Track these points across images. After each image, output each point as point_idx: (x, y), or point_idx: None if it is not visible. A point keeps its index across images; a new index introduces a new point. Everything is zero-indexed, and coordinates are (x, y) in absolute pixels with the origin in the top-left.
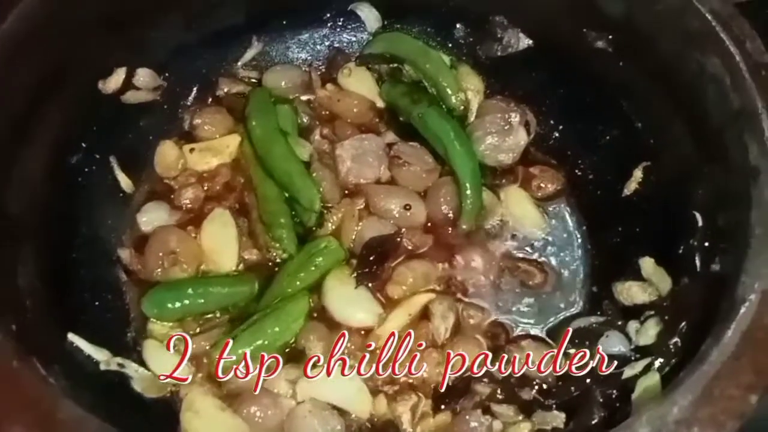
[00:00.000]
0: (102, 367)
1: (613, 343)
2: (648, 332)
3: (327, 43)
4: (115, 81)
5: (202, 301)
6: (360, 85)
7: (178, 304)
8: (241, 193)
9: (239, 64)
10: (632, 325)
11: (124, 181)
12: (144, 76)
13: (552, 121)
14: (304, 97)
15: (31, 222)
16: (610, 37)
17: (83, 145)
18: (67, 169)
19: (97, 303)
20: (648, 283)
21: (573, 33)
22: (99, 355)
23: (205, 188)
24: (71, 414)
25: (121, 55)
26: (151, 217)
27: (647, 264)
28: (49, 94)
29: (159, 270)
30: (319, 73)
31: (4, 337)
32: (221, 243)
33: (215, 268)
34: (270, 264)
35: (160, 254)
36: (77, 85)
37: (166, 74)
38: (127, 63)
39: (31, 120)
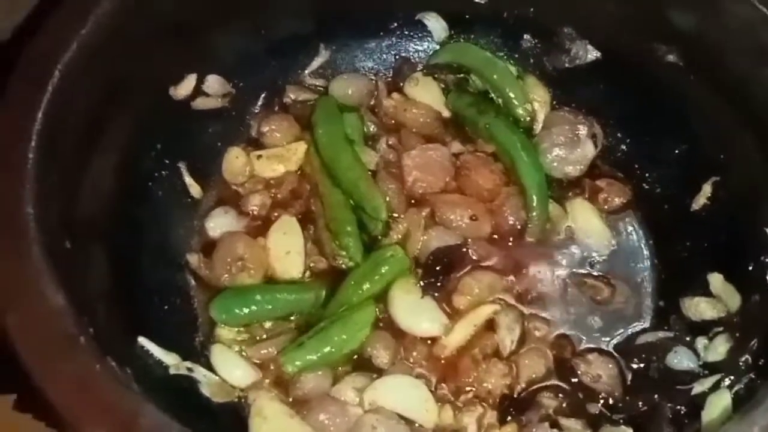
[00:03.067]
0: (171, 371)
1: (681, 359)
2: (717, 349)
3: (393, 53)
4: (185, 87)
5: (270, 307)
6: (426, 94)
7: (245, 310)
8: (307, 201)
9: (306, 72)
10: (701, 341)
11: (193, 187)
12: (213, 82)
13: (619, 134)
14: (370, 106)
15: (102, 226)
16: (680, 50)
17: (153, 150)
18: (137, 174)
19: (165, 307)
20: (717, 299)
21: (641, 45)
22: (168, 359)
23: (272, 195)
24: (153, 419)
25: (191, 61)
26: (219, 222)
27: (716, 280)
28: (121, 99)
29: (226, 275)
30: (385, 82)
31: (84, 340)
32: (288, 250)
33: (282, 274)
34: (336, 272)
35: (228, 260)
36: (149, 91)
37: (235, 81)
38: (198, 70)
39: (103, 125)
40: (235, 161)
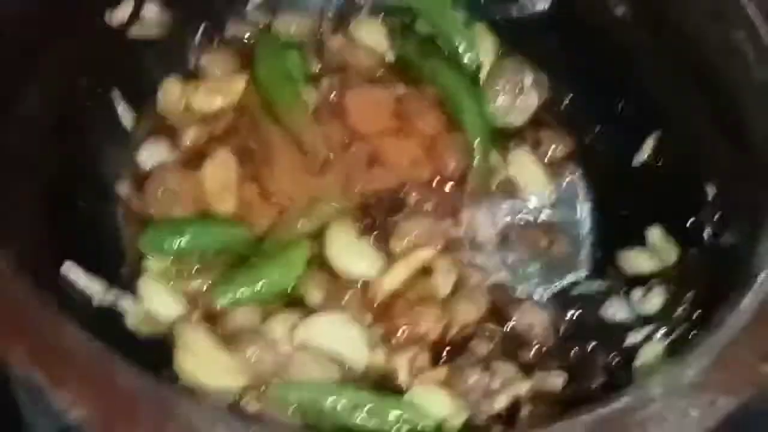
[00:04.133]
0: (95, 301)
1: (615, 310)
2: (652, 300)
3: None
4: (122, 12)
5: (201, 240)
6: (371, 36)
7: (176, 243)
8: (245, 137)
9: (249, 6)
10: (636, 293)
11: (126, 118)
12: (151, 9)
13: (565, 87)
14: (313, 45)
15: (32, 154)
16: (630, 3)
17: (86, 79)
18: (69, 103)
19: (94, 239)
20: (654, 252)
21: None
22: (94, 287)
23: (209, 129)
24: (75, 339)
25: None
26: (151, 154)
27: (654, 233)
28: (54, 24)
29: (158, 208)
30: (330, 21)
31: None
32: (222, 184)
33: (215, 209)
34: (272, 209)
35: (160, 191)
36: (83, 16)
37: (174, 10)
38: None
39: (36, 52)
40: (170, 92)
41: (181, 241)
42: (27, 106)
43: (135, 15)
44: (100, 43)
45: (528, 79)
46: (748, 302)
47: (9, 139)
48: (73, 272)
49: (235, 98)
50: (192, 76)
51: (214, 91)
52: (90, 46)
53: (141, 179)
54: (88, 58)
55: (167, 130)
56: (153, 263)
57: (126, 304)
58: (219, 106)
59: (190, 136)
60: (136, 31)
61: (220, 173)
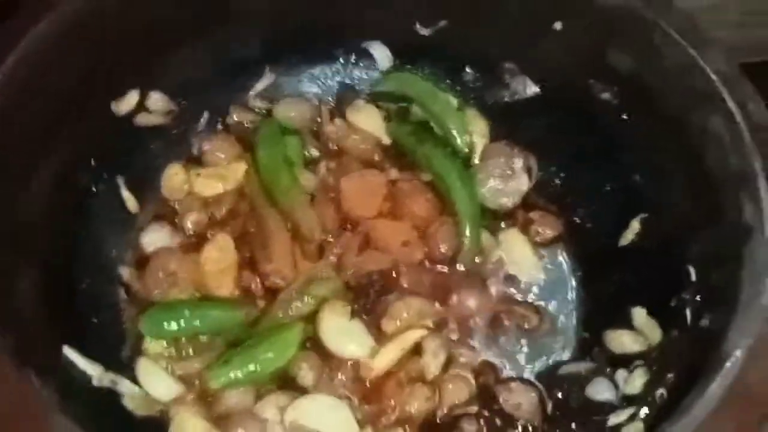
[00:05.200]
0: (95, 382)
1: (600, 390)
2: (635, 382)
3: (338, 79)
4: (128, 103)
5: (198, 323)
6: (368, 121)
7: (174, 325)
8: (244, 221)
9: (251, 93)
10: (621, 374)
11: (130, 202)
12: (157, 99)
13: (554, 168)
14: (312, 131)
15: (35, 238)
16: (616, 89)
17: (92, 164)
18: (75, 187)
19: (94, 320)
20: (639, 333)
21: (580, 83)
22: (92, 369)
23: (210, 213)
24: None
25: (135, 78)
26: (154, 238)
27: (639, 314)
28: (62, 114)
29: (158, 290)
30: (329, 107)
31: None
32: (221, 267)
33: (213, 291)
34: (268, 292)
35: (160, 274)
36: (90, 106)
37: (179, 99)
38: (141, 86)
39: (43, 140)
40: (174, 178)
41: (178, 324)
42: (37, 185)
43: (141, 104)
44: (108, 129)
45: (518, 162)
46: (715, 388)
47: (15, 219)
48: (72, 355)
49: (235, 183)
50: (195, 160)
51: (215, 176)
52: (97, 132)
53: (143, 262)
54: (93, 144)
55: (170, 214)
56: (151, 345)
57: (124, 386)
58: (220, 191)
59: (191, 220)
60: (141, 120)
61: (219, 257)
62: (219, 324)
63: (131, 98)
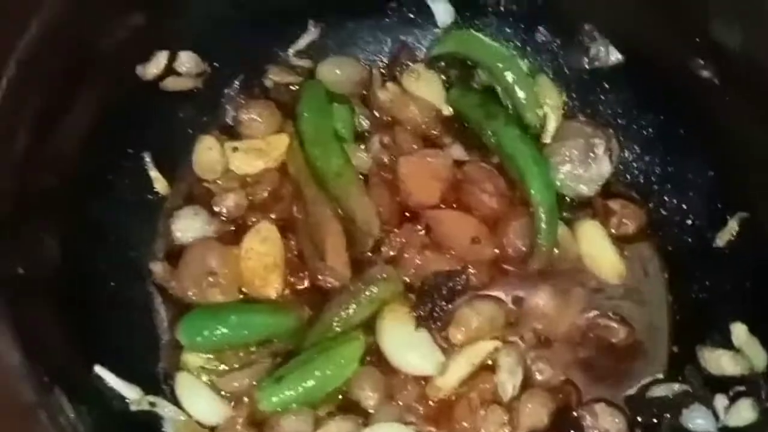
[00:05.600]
0: (132, 407)
1: (697, 419)
2: (741, 413)
3: (391, 37)
4: (155, 66)
5: (245, 331)
6: (426, 88)
7: (218, 333)
8: (289, 205)
9: (291, 51)
10: (720, 400)
11: (159, 181)
12: (186, 60)
13: (638, 150)
14: (361, 96)
15: (56, 231)
16: (717, 66)
17: (115, 138)
18: (97, 165)
19: (125, 327)
20: (740, 353)
21: (673, 55)
22: (128, 392)
23: (249, 195)
24: None
25: (162, 36)
26: (187, 226)
27: (739, 331)
28: (82, 81)
29: (195, 290)
30: (380, 70)
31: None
32: (265, 263)
33: (257, 292)
34: (319, 292)
35: (198, 273)
36: (113, 70)
37: (210, 59)
38: (170, 46)
39: (63, 112)
40: (207, 153)
41: (222, 332)
42: (49, 168)
43: (168, 66)
44: (131, 97)
45: (600, 144)
46: None
47: (31, 206)
48: (105, 375)
49: (277, 160)
50: (230, 131)
51: (254, 151)
52: (119, 101)
53: (175, 254)
54: (117, 114)
55: (204, 196)
56: (191, 357)
57: (163, 408)
58: (260, 169)
59: (228, 204)
60: (170, 84)
61: (263, 250)
62: (267, 332)
63: (159, 60)
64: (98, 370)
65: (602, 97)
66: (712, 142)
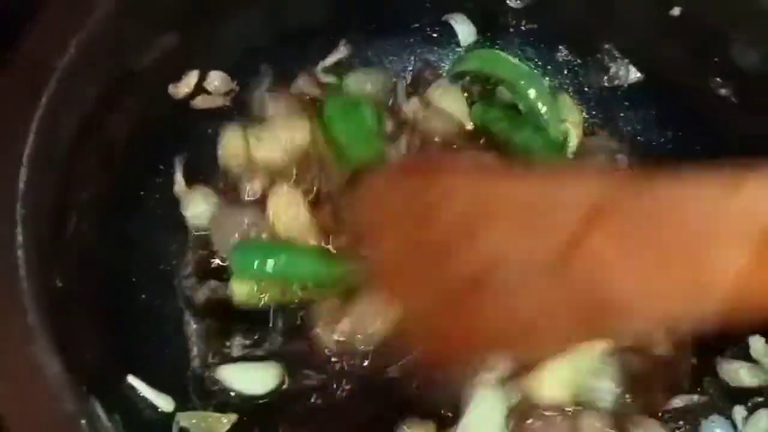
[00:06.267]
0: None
1: (716, 428)
2: (758, 424)
3: (414, 55)
4: (186, 85)
5: (294, 270)
6: (450, 103)
7: (267, 268)
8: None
9: (319, 67)
10: (739, 411)
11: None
12: (216, 79)
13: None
14: (387, 107)
15: (90, 248)
16: (735, 86)
17: (147, 155)
18: (129, 183)
19: (156, 336)
20: (758, 365)
21: (691, 74)
22: (161, 402)
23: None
24: None
25: (192, 56)
26: (199, 208)
27: (757, 343)
28: (116, 101)
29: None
30: (405, 84)
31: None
32: (295, 216)
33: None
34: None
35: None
36: (146, 90)
37: (240, 78)
38: (200, 65)
39: (96, 131)
40: (232, 141)
41: (271, 267)
42: (85, 188)
43: (199, 85)
44: (163, 116)
45: (623, 160)
46: None
47: (68, 227)
48: (139, 385)
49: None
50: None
51: (277, 139)
52: (151, 119)
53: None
54: (149, 132)
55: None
56: (237, 285)
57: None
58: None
59: (255, 188)
60: (200, 103)
61: (288, 207)
62: (313, 276)
63: (190, 79)
64: (131, 379)
65: (622, 114)
66: (729, 159)
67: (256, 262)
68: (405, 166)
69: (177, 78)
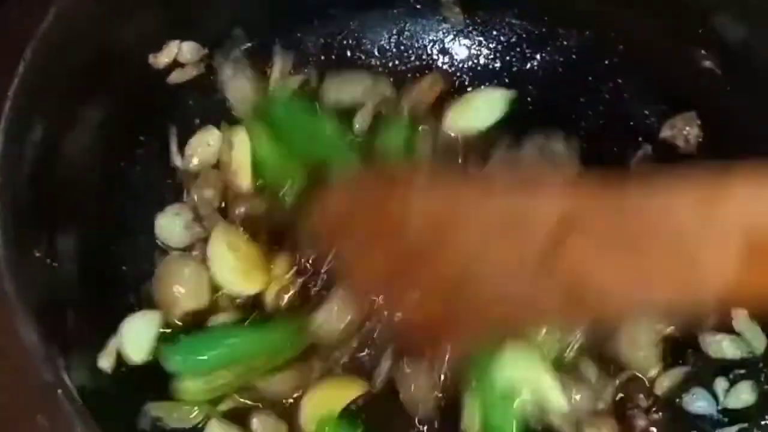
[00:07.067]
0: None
1: (697, 401)
2: (740, 395)
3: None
4: (167, 55)
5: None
6: None
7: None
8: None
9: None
10: (720, 383)
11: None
12: (188, 50)
13: None
14: None
15: (75, 225)
16: (719, 58)
17: (132, 129)
18: (114, 157)
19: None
20: (740, 337)
21: (676, 45)
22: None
23: None
24: None
25: (170, 27)
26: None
27: (740, 317)
28: (97, 76)
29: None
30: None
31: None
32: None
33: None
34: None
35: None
36: (129, 62)
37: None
38: (178, 36)
39: (77, 107)
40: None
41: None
42: (66, 164)
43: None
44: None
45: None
46: None
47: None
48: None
49: None
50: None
51: None
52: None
53: None
54: (132, 107)
55: None
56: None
57: None
58: None
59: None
60: (175, 77)
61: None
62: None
63: (170, 49)
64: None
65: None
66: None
67: (190, 359)
68: (365, 178)
69: (158, 48)
